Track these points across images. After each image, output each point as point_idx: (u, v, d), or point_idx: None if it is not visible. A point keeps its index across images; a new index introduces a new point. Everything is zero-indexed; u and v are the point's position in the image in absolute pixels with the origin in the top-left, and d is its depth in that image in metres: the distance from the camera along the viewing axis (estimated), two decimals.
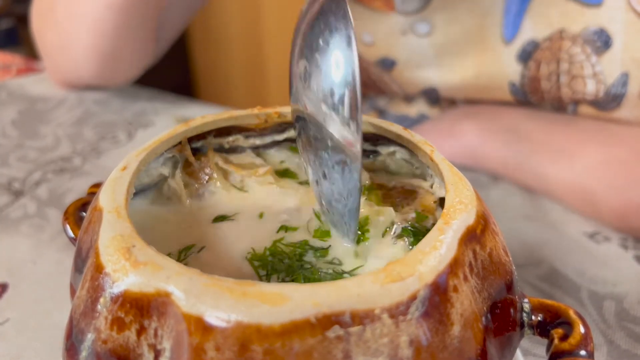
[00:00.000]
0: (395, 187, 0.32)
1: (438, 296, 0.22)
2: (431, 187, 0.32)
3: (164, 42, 0.74)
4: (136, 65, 0.72)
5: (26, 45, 2.08)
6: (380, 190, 0.32)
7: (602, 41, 0.49)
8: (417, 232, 0.29)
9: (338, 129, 0.25)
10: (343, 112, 0.25)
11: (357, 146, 0.25)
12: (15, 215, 0.51)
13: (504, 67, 0.56)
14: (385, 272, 0.22)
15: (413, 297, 0.21)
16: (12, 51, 1.03)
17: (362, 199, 0.31)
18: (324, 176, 0.28)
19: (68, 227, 0.33)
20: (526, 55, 0.54)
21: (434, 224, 0.29)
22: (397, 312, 0.21)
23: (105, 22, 0.63)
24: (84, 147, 0.63)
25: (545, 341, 0.27)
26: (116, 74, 0.72)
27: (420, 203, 0.31)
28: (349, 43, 0.24)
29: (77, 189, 0.55)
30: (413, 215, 0.30)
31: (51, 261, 0.45)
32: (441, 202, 0.31)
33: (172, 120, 0.70)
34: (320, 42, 0.25)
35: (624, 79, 0.50)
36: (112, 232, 0.24)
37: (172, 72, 1.81)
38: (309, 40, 0.26)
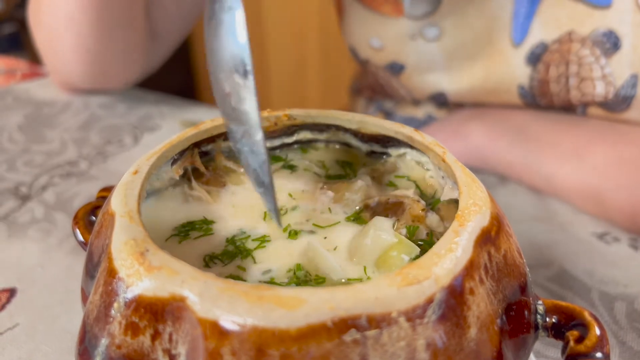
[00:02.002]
0: (379, 202, 0.31)
1: (454, 299, 0.22)
2: (416, 194, 0.32)
3: (167, 46, 0.74)
4: (129, 69, 0.70)
5: (29, 50, 2.08)
6: (367, 210, 0.31)
7: (611, 43, 0.49)
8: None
9: (241, 95, 0.27)
10: (245, 76, 0.26)
11: (254, 116, 0.26)
12: (23, 219, 0.51)
13: (513, 70, 0.55)
14: (401, 275, 0.21)
15: (430, 300, 0.21)
16: (15, 56, 1.03)
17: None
18: (239, 152, 0.28)
19: (78, 231, 0.33)
20: (535, 57, 0.54)
21: (427, 233, 0.29)
22: (414, 315, 0.21)
23: (81, 21, 0.63)
24: (90, 151, 0.63)
25: (557, 343, 0.27)
26: (107, 76, 0.71)
27: (410, 214, 0.30)
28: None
29: (84, 193, 0.55)
30: (404, 232, 0.29)
31: (59, 265, 0.45)
32: (447, 204, 0.31)
33: (178, 123, 0.70)
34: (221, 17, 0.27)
35: (634, 81, 0.49)
36: (125, 236, 0.24)
37: (175, 74, 1.81)
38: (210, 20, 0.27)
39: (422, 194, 0.32)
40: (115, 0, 0.62)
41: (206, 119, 0.75)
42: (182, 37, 0.75)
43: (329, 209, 0.31)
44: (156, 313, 0.22)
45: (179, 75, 1.97)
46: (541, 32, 0.52)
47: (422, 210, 0.30)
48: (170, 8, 0.68)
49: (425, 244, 0.28)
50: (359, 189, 0.32)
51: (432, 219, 0.29)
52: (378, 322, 0.20)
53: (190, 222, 0.30)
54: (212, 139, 0.34)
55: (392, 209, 0.31)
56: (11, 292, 0.43)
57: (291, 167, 0.35)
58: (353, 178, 0.34)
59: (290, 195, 0.33)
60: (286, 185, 0.33)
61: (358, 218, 0.31)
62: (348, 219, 0.30)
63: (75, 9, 0.62)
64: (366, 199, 0.32)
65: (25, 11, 0.71)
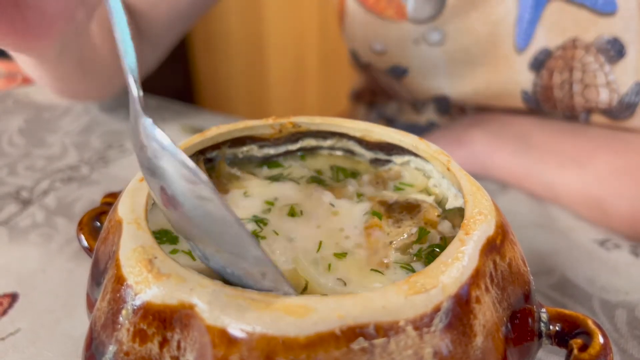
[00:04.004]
0: (397, 201, 0.32)
1: (461, 307, 0.22)
2: (435, 201, 0.32)
3: (162, 49, 0.73)
4: (114, 86, 0.68)
5: None
6: (382, 206, 0.32)
7: (615, 50, 0.49)
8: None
9: None
10: None
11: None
12: (24, 224, 0.51)
13: (516, 75, 0.56)
14: (408, 284, 0.22)
15: (437, 309, 0.21)
16: (14, 59, 1.03)
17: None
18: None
19: (83, 237, 0.33)
20: (539, 64, 0.54)
21: (441, 238, 0.29)
22: (421, 324, 0.21)
23: (38, 75, 0.60)
24: (91, 155, 0.63)
25: (560, 351, 0.27)
26: (94, 96, 0.70)
27: (424, 217, 0.31)
28: None
29: (85, 198, 0.55)
30: (415, 230, 0.29)
31: (61, 270, 0.45)
32: (453, 212, 0.31)
33: (179, 129, 0.70)
34: None
35: (638, 88, 0.50)
36: (133, 243, 0.24)
37: (173, 77, 1.81)
38: None
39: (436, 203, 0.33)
40: (68, 64, 0.56)
41: (207, 124, 0.75)
42: (177, 39, 0.74)
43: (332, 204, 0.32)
44: (164, 320, 0.22)
45: (178, 78, 1.97)
46: (545, 38, 0.52)
47: (438, 216, 0.30)
48: (164, 10, 0.67)
49: (440, 248, 0.28)
50: (352, 195, 0.33)
51: (445, 225, 0.30)
52: (386, 330, 0.20)
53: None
54: (217, 146, 0.34)
55: (407, 208, 0.31)
56: (13, 297, 0.43)
57: (278, 178, 0.35)
58: (344, 182, 0.35)
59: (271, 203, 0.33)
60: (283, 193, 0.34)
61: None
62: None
63: (41, 76, 0.60)
64: (373, 198, 0.32)
65: None
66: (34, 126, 0.69)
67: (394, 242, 0.29)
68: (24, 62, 0.60)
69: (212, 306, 0.21)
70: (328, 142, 0.36)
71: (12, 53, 0.62)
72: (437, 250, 0.28)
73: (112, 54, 0.63)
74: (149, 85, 0.81)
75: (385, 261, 0.28)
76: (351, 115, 0.84)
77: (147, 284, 0.22)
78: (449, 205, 0.31)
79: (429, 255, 0.28)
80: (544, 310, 0.27)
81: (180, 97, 1.02)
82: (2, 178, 0.58)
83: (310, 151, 0.37)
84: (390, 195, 0.33)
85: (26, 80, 0.83)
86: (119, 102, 0.75)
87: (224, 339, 0.20)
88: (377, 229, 0.30)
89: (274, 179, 0.34)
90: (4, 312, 0.41)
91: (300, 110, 1.80)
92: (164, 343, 0.22)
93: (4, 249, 0.48)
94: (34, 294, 0.43)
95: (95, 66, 0.62)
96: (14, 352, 0.38)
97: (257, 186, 0.33)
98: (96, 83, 0.66)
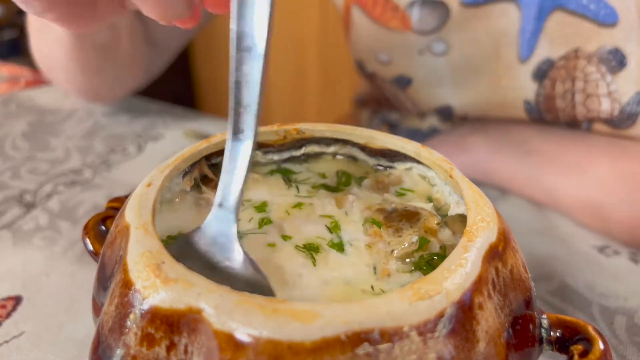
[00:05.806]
0: (395, 209, 0.32)
1: (464, 313, 0.22)
2: (435, 208, 0.32)
3: (167, 54, 0.74)
4: (125, 87, 0.71)
5: (29, 56, 2.08)
6: (381, 214, 0.32)
7: (617, 60, 0.50)
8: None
9: None
10: None
11: None
12: (28, 227, 0.51)
13: (519, 85, 0.56)
14: (412, 290, 0.22)
15: (440, 315, 0.22)
16: (15, 62, 1.04)
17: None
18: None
19: (88, 241, 0.33)
20: (541, 73, 0.54)
21: (441, 247, 0.30)
22: (425, 329, 0.21)
23: (67, 67, 0.63)
24: (94, 159, 0.63)
25: (560, 357, 0.27)
26: (104, 96, 0.72)
27: (424, 225, 0.31)
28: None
29: (88, 202, 0.55)
30: (416, 238, 0.30)
31: (64, 273, 0.46)
32: (453, 219, 0.32)
33: (181, 133, 0.70)
34: None
35: (639, 98, 0.50)
36: (141, 248, 0.24)
37: (174, 82, 1.82)
38: None
39: (436, 209, 0.33)
40: (92, 48, 0.61)
41: (208, 129, 0.75)
42: (183, 45, 0.75)
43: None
44: (172, 325, 0.22)
45: (179, 83, 1.98)
46: (547, 48, 0.53)
47: (437, 224, 0.30)
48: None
49: (440, 257, 0.29)
50: (351, 203, 0.33)
51: (445, 233, 0.30)
52: (390, 336, 0.21)
53: None
54: (221, 152, 0.34)
55: (407, 216, 0.31)
56: (17, 300, 0.43)
57: (288, 180, 0.36)
58: (348, 188, 0.35)
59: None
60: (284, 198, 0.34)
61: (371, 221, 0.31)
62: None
63: (61, 57, 0.63)
64: (371, 207, 0.32)
65: (26, 17, 0.71)
66: (37, 130, 0.70)
67: (396, 250, 0.29)
68: (45, 35, 0.63)
69: (219, 311, 0.21)
70: (331, 149, 0.37)
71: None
72: (435, 258, 0.29)
73: (132, 47, 0.65)
74: (151, 90, 0.82)
75: (387, 267, 0.28)
76: (354, 120, 0.84)
77: (154, 289, 0.23)
78: (451, 212, 0.31)
79: (427, 264, 0.29)
80: (544, 316, 0.28)
81: (182, 101, 1.02)
82: (5, 181, 0.58)
83: (314, 157, 0.37)
84: (391, 202, 0.33)
85: (29, 84, 0.84)
86: (121, 107, 0.76)
87: (231, 344, 0.21)
88: (377, 238, 0.30)
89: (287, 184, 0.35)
90: (8, 315, 0.42)
91: (301, 115, 1.80)
92: (171, 347, 0.22)
93: (8, 252, 0.48)
94: (37, 297, 0.43)
95: (116, 56, 0.64)
96: (18, 355, 0.38)
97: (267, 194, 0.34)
98: (110, 77, 0.68)
